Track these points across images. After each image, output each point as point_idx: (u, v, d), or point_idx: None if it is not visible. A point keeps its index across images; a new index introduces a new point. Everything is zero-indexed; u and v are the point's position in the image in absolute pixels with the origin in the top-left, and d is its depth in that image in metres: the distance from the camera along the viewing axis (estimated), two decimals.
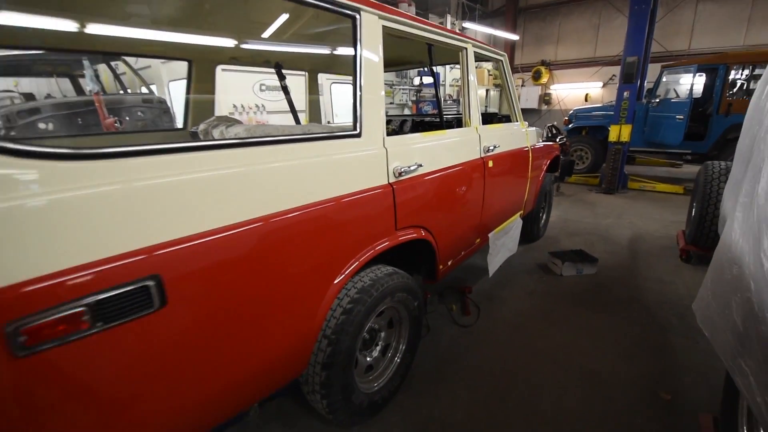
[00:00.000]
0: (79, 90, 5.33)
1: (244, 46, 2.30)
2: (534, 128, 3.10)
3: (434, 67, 1.90)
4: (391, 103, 7.61)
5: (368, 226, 1.39)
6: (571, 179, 6.28)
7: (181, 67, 4.66)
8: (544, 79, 11.70)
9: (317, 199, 1.20)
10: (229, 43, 2.20)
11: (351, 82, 1.36)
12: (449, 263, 2.05)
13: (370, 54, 1.38)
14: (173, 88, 5.03)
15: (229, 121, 2.11)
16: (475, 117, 2.12)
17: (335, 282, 1.33)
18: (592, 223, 4.21)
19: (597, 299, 2.61)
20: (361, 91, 1.33)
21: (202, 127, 2.07)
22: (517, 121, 2.77)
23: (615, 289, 2.75)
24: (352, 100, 1.34)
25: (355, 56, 1.33)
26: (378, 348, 1.72)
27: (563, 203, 5.11)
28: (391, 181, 1.47)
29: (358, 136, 1.34)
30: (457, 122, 3.10)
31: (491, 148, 2.20)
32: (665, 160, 7.55)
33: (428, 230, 1.75)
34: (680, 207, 4.83)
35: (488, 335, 2.24)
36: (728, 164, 2.99)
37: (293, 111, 2.73)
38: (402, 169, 1.48)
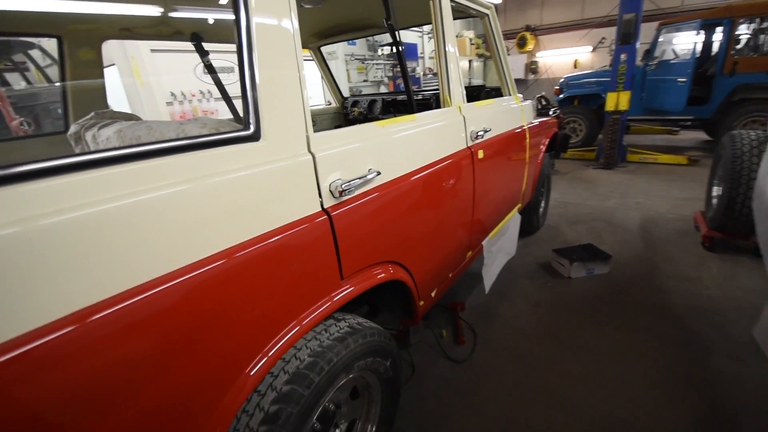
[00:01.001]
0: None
1: (136, 12, 1.68)
2: (529, 102, 2.55)
3: (394, 26, 1.31)
4: (365, 81, 6.91)
5: (286, 289, 0.85)
6: (566, 155, 5.77)
7: (114, 51, 3.86)
8: (530, 46, 10.99)
9: (182, 264, 0.66)
10: (110, 7, 1.58)
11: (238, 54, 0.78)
12: (433, 294, 1.53)
13: None
14: (107, 76, 4.29)
15: (114, 117, 1.52)
16: (458, 93, 1.56)
17: (241, 385, 0.80)
18: (595, 206, 3.73)
19: (615, 309, 2.13)
20: (252, 64, 0.76)
21: (73, 129, 1.48)
22: (510, 95, 2.21)
23: (634, 293, 2.28)
24: (239, 82, 0.76)
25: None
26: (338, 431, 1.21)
27: (560, 183, 4.62)
28: (327, 206, 0.92)
29: (255, 138, 0.78)
30: (437, 101, 2.54)
31: (480, 133, 1.65)
32: (661, 127, 7.08)
33: (400, 264, 1.22)
34: (687, 180, 4.39)
35: (487, 372, 1.76)
36: (761, 134, 2.50)
37: (226, 98, 2.12)
38: (344, 185, 0.93)
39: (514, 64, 11.10)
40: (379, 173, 1.04)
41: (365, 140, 1.04)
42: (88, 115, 1.52)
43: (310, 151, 0.88)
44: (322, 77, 2.99)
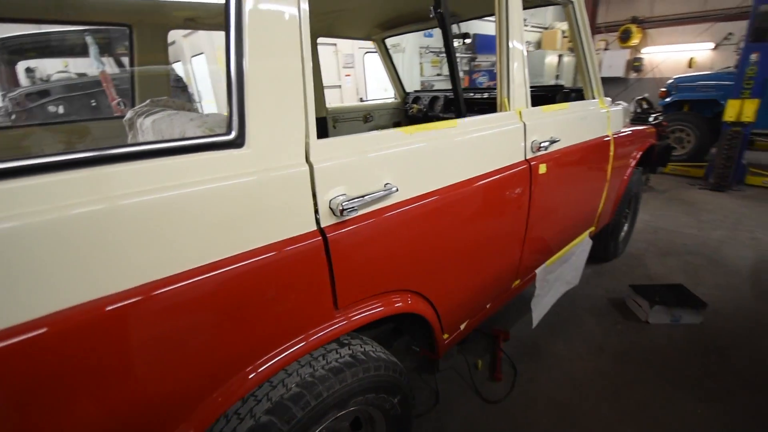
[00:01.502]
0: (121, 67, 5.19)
1: (200, 1, 1.70)
2: (621, 106, 2.14)
3: (445, 15, 1.12)
4: (438, 75, 6.61)
5: (263, 317, 0.74)
6: (666, 169, 4.95)
7: (203, 40, 4.14)
8: (635, 41, 9.66)
9: (131, 286, 0.58)
10: None
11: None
12: (462, 327, 1.33)
13: None
14: (196, 64, 4.66)
15: (166, 105, 1.55)
16: (519, 95, 1.31)
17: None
18: (696, 237, 3.10)
19: (703, 373, 1.71)
20: (240, 52, 0.65)
21: (129, 115, 1.55)
22: (594, 98, 1.87)
23: (732, 356, 1.81)
24: (225, 75, 0.66)
25: None
26: None
27: (653, 203, 3.96)
28: (324, 225, 0.79)
29: (237, 145, 0.67)
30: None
31: (545, 144, 1.39)
32: None
33: (419, 294, 1.05)
34: None
35: (523, 422, 1.51)
36: None
37: None
38: (347, 203, 0.78)
39: (614, 60, 9.88)
40: (396, 189, 0.88)
41: (384, 150, 0.88)
42: (144, 102, 1.57)
43: (308, 161, 0.75)
44: (385, 71, 2.86)
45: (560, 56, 8.86)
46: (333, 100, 5.04)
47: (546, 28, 9.43)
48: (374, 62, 5.43)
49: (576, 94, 2.18)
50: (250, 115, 0.66)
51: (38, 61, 5.13)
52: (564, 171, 1.57)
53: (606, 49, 10.19)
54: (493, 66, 7.59)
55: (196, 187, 0.62)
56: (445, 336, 1.23)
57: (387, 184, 0.88)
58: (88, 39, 3.43)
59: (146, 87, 1.89)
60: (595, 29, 10.17)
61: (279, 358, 0.78)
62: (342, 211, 0.77)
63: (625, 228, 2.78)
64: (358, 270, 0.86)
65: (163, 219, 0.59)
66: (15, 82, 4.48)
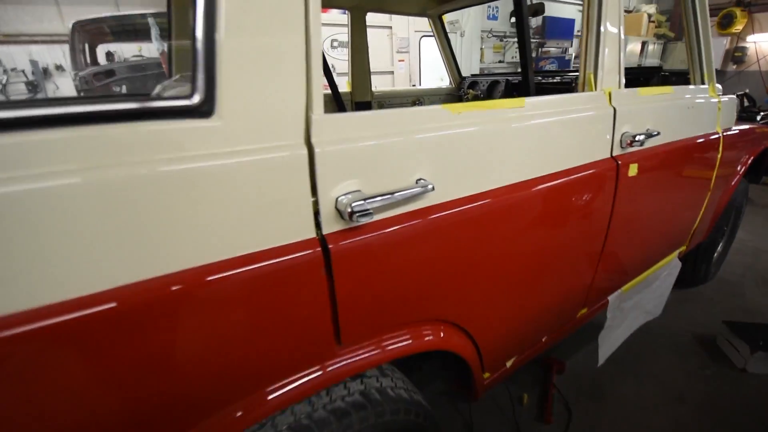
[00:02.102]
0: None
1: None
2: (732, 97, 1.69)
3: None
4: (500, 62, 6.07)
5: (227, 360, 0.54)
6: None
7: None
8: (738, 26, 8.28)
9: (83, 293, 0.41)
10: None
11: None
12: (509, 365, 1.06)
13: None
14: None
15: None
16: (611, 72, 1.00)
17: None
18: None
19: None
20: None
21: (158, 89, 1.45)
22: (703, 83, 1.47)
23: None
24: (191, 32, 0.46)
25: None
26: None
27: (755, 220, 3.30)
28: (326, 232, 0.57)
29: (202, 113, 0.47)
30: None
31: (640, 137, 1.06)
32: None
33: (456, 326, 0.81)
34: None
35: None
36: None
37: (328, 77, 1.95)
38: (360, 204, 0.56)
39: None
40: (433, 188, 0.64)
41: (419, 133, 0.64)
42: (175, 76, 1.47)
43: (308, 142, 0.54)
44: (440, 52, 2.57)
45: (644, 43, 7.85)
46: (384, 87, 4.81)
47: (629, 11, 8.40)
48: (431, 47, 5.10)
49: (677, 78, 1.75)
50: (223, 73, 0.46)
51: (117, 46, 5.46)
52: (660, 175, 1.22)
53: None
54: (564, 53, 6.88)
55: (138, 169, 0.43)
56: (486, 375, 0.98)
57: (420, 179, 0.64)
58: (150, 20, 3.51)
59: (182, 62, 1.80)
60: None
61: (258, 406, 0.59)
62: (352, 213, 0.55)
63: (719, 247, 2.29)
64: (371, 294, 0.64)
65: (79, 216, 0.41)
66: (95, 64, 4.79)
